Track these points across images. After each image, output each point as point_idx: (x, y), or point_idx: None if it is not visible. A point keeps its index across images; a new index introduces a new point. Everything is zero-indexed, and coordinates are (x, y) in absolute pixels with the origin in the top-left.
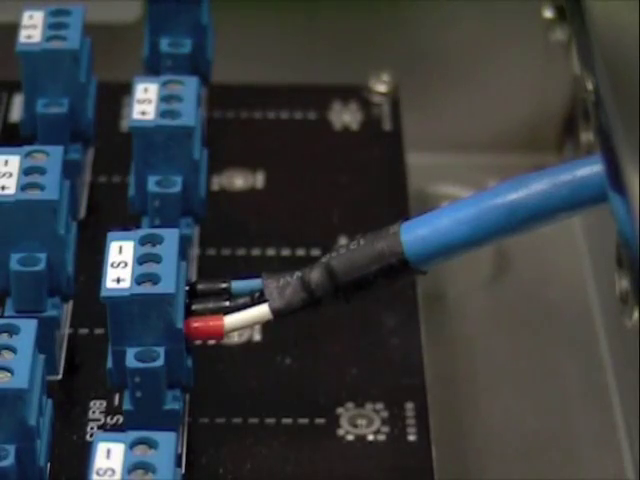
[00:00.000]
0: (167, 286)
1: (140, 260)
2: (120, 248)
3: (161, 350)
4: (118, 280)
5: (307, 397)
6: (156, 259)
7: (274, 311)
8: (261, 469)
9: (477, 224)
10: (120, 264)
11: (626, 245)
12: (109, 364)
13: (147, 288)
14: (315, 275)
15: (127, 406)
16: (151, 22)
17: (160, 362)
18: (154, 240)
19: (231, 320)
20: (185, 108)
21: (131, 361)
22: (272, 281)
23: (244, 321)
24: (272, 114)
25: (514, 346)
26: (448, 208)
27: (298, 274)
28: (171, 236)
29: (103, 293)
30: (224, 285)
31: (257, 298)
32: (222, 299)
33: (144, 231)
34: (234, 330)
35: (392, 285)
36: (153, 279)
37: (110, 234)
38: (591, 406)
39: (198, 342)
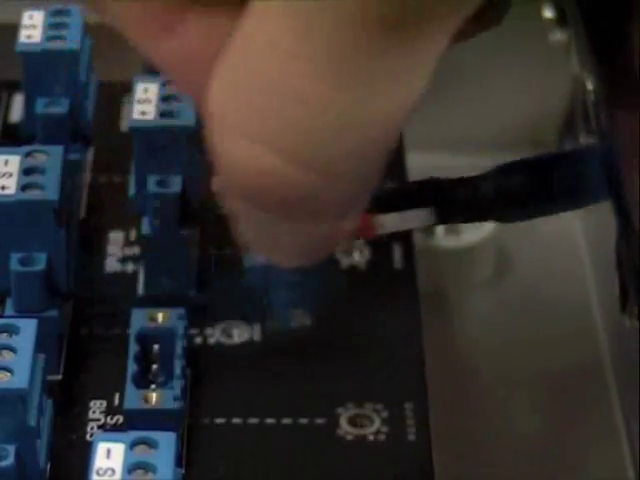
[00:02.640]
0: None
1: None
2: None
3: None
4: None
5: (307, 397)
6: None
7: (440, 216)
8: (261, 469)
9: None
10: None
11: (626, 246)
12: None
13: None
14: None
15: None
16: None
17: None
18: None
19: (388, 221)
20: (185, 108)
21: None
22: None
23: (403, 223)
24: None
25: (514, 346)
26: None
27: (472, 177)
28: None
29: None
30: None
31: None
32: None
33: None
34: (389, 231)
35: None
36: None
37: None
38: (591, 406)
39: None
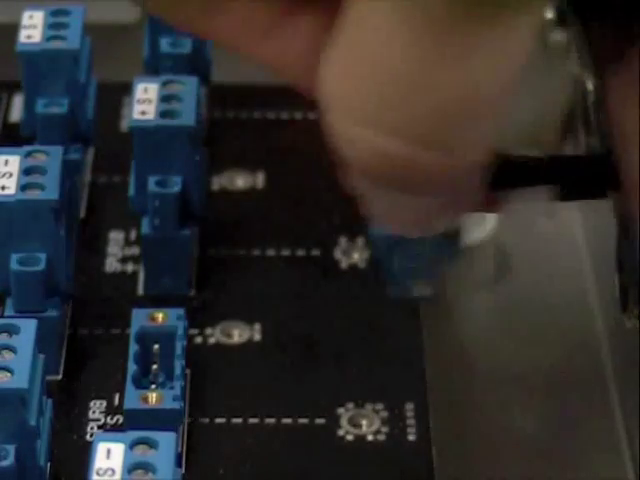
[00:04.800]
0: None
1: None
2: None
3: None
4: None
5: (307, 397)
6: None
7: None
8: (261, 469)
9: None
10: None
11: (626, 247)
12: None
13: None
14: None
15: None
16: (151, 22)
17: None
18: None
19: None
20: (185, 108)
21: None
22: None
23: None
24: (272, 114)
25: (514, 346)
26: None
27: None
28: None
29: None
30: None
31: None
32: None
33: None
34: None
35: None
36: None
37: None
38: (591, 406)
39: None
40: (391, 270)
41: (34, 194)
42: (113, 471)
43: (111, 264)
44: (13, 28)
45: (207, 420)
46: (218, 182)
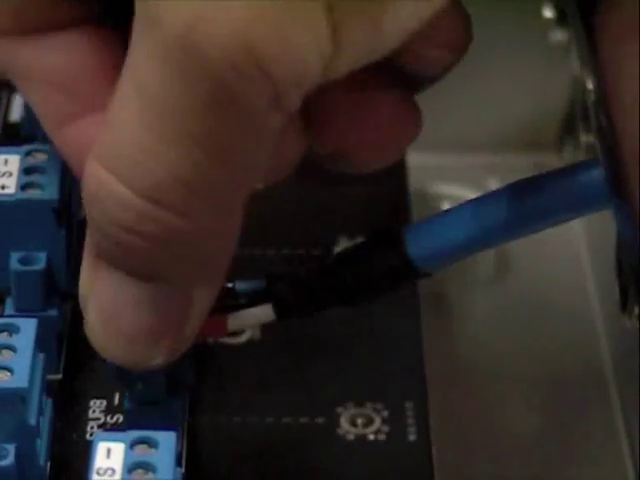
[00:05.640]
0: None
1: None
2: None
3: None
4: None
5: (307, 397)
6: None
7: (277, 312)
8: (261, 469)
9: (480, 227)
10: None
11: (626, 246)
12: None
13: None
14: (319, 277)
15: None
16: None
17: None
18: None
19: (234, 319)
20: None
21: None
22: (276, 282)
23: (247, 320)
24: None
25: (514, 346)
26: (454, 210)
27: (302, 275)
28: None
29: None
30: (229, 285)
31: (261, 298)
32: (226, 298)
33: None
34: (237, 329)
35: (396, 287)
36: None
37: None
38: (591, 406)
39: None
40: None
41: (34, 193)
42: (113, 470)
43: None
44: None
45: (207, 420)
46: None
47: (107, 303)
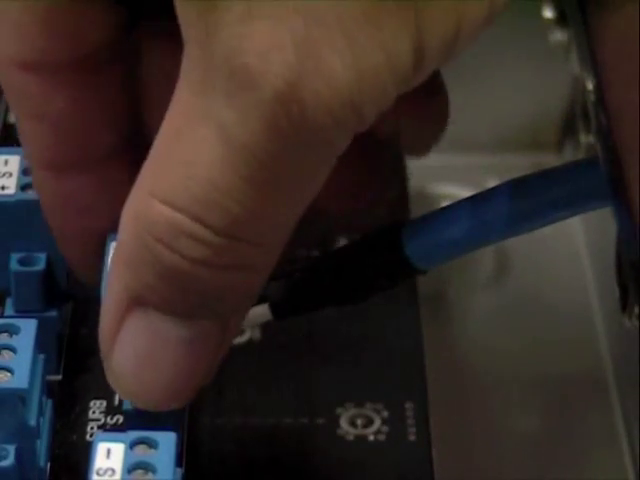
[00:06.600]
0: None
1: None
2: None
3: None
4: None
5: (307, 397)
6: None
7: (274, 312)
8: (261, 469)
9: (477, 224)
10: None
11: (626, 245)
12: None
13: None
14: (314, 275)
15: None
16: None
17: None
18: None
19: None
20: None
21: None
22: (273, 281)
23: (244, 320)
24: None
25: (514, 346)
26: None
27: (299, 274)
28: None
29: None
30: None
31: (258, 298)
32: None
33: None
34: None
35: (391, 286)
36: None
37: None
38: (591, 406)
39: None
40: None
41: (34, 194)
42: (113, 471)
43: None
44: None
45: (207, 420)
46: None
47: (141, 348)
